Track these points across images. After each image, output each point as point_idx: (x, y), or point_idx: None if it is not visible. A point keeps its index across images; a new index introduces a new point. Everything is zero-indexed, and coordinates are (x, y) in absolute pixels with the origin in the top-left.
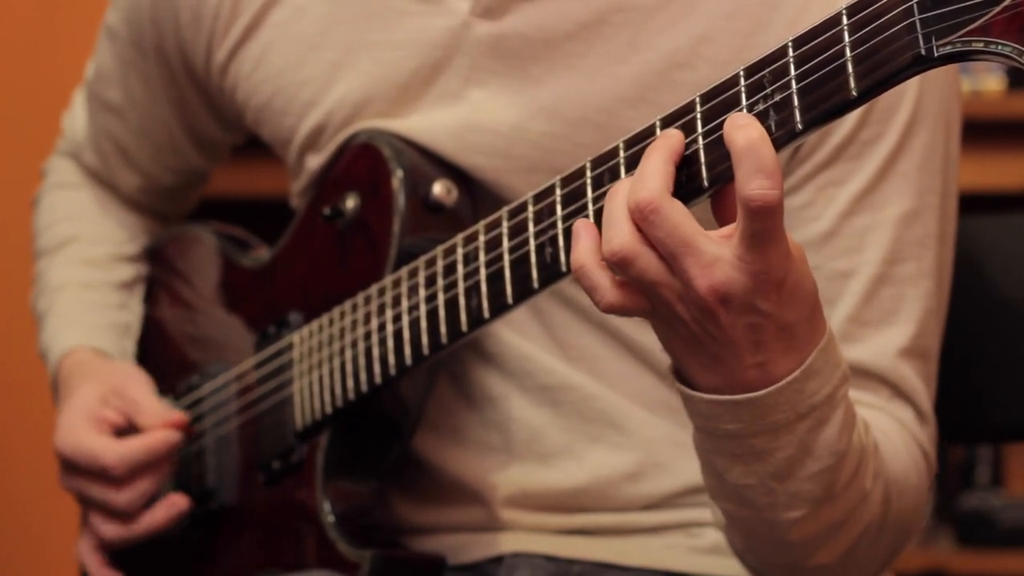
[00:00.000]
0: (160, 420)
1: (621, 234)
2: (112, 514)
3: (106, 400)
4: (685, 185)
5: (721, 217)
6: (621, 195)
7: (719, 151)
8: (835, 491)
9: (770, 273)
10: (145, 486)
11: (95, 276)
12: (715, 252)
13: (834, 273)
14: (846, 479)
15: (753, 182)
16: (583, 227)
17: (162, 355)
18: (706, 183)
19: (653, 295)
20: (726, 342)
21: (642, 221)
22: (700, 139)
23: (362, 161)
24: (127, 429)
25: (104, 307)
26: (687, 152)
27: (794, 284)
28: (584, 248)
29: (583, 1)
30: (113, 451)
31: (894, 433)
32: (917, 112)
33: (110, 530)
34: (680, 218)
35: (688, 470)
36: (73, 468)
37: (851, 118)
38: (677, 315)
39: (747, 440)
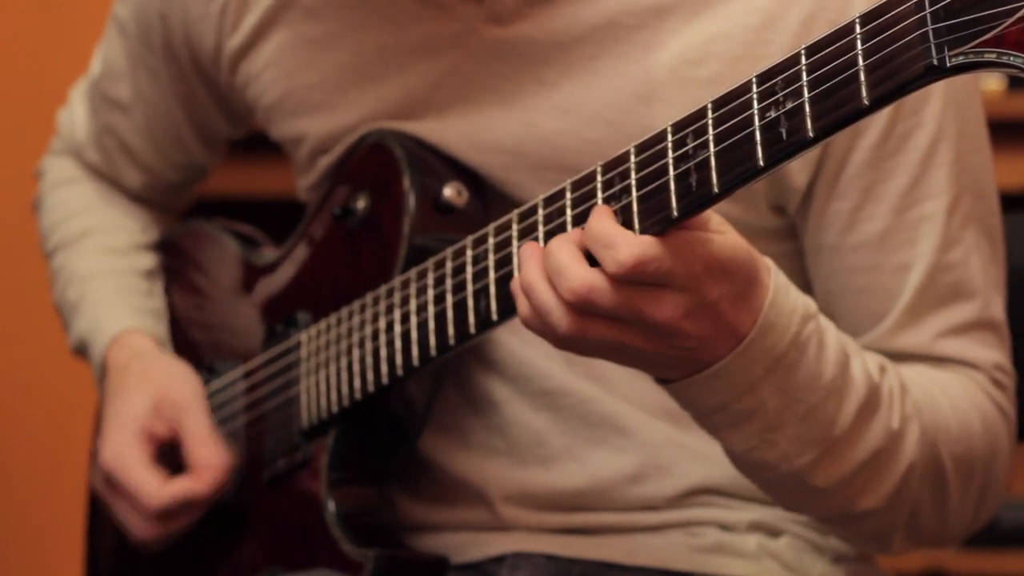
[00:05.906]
0: (209, 461)
1: (562, 322)
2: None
3: (159, 410)
4: (695, 191)
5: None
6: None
7: (730, 156)
8: (841, 427)
9: (696, 270)
10: (172, 527)
11: (122, 263)
12: (652, 291)
13: (896, 267)
14: (850, 414)
15: (607, 264)
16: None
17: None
18: (716, 189)
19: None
20: (702, 341)
21: (582, 308)
22: (711, 146)
23: (373, 161)
24: (171, 446)
25: (137, 293)
26: (699, 159)
27: (725, 259)
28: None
29: (594, 4)
30: (156, 494)
31: (949, 380)
32: (948, 99)
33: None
34: (605, 286)
35: (689, 472)
36: (110, 483)
37: (882, 116)
38: (646, 352)
39: (732, 407)
